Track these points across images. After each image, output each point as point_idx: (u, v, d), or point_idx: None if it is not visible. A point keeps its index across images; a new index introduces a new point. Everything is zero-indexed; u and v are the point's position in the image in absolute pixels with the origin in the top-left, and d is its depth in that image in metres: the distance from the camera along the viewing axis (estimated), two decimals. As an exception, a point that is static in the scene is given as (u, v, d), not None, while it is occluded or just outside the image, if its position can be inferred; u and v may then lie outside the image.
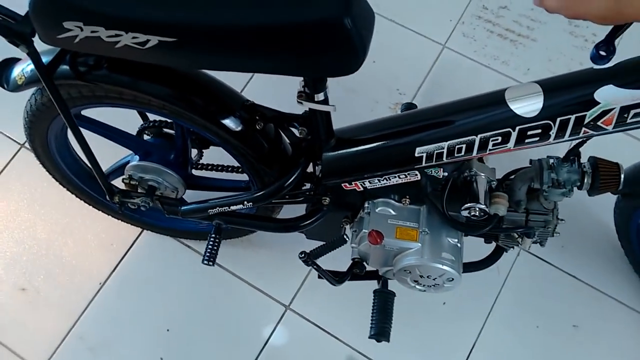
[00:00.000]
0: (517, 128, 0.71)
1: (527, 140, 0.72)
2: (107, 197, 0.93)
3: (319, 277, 0.92)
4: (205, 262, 0.90)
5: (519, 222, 0.87)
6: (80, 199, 1.10)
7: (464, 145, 0.74)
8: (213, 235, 0.92)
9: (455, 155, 0.76)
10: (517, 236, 0.89)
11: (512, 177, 0.87)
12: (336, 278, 0.90)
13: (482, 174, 0.84)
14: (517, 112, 0.70)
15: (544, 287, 1.17)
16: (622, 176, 0.79)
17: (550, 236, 0.90)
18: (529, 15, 1.45)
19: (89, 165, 0.88)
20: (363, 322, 0.90)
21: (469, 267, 0.95)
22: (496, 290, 1.17)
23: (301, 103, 0.75)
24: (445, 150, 0.75)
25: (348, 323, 1.14)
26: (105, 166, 1.03)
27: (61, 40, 0.65)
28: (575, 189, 0.82)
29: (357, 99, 1.34)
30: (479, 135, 0.73)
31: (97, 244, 1.23)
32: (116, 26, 0.62)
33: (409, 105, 1.15)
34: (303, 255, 0.85)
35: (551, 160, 0.83)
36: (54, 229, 1.24)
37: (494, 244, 0.95)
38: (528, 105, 0.70)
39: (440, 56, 1.40)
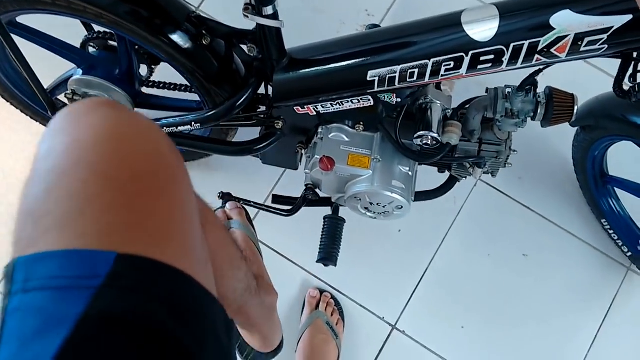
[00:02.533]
0: (470, 53, 0.68)
1: (479, 67, 0.69)
2: (48, 112, 0.89)
3: (268, 209, 0.93)
4: (153, 183, 0.88)
5: (471, 152, 0.87)
6: (26, 115, 1.05)
7: (416, 70, 0.71)
8: (161, 156, 0.90)
9: (408, 80, 0.73)
10: (469, 166, 0.89)
11: (468, 106, 0.85)
12: (287, 211, 0.91)
13: (438, 102, 0.82)
14: (472, 36, 0.67)
15: (498, 217, 1.20)
16: (576, 108, 0.78)
17: (502, 167, 0.90)
18: None
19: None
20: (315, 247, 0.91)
21: (422, 196, 0.96)
22: (451, 219, 1.19)
23: (247, 17, 0.71)
24: (397, 75, 0.73)
25: (301, 247, 1.16)
26: (48, 81, 0.98)
27: None
28: (529, 120, 0.81)
29: (323, 19, 1.28)
30: (432, 60, 0.70)
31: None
32: None
33: (374, 27, 1.11)
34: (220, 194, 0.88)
35: (507, 90, 0.80)
36: (4, 148, 1.20)
37: (447, 174, 0.95)
38: (483, 30, 0.67)
39: (414, -24, 1.32)
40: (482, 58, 0.68)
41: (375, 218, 0.93)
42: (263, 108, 0.90)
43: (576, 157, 1.12)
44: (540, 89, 0.80)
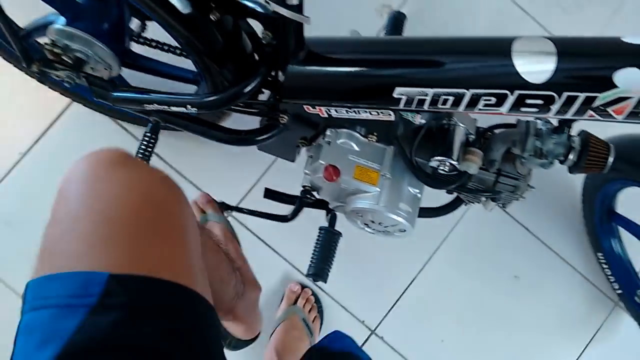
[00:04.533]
0: (516, 93, 0.59)
1: (523, 109, 0.60)
2: (22, 63, 0.77)
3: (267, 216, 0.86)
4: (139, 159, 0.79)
5: (487, 181, 0.80)
6: (1, 57, 0.93)
7: (451, 98, 0.62)
8: (148, 134, 0.80)
9: (439, 106, 0.64)
10: (483, 198, 0.82)
11: (493, 132, 0.77)
12: (284, 217, 0.83)
13: (462, 125, 0.74)
14: (522, 73, 0.58)
15: (495, 234, 1.15)
16: (610, 160, 0.71)
17: (516, 200, 0.84)
18: None
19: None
20: (305, 243, 0.85)
21: (424, 213, 0.89)
22: (447, 230, 1.14)
23: (268, 3, 0.60)
24: (428, 98, 0.63)
25: (287, 239, 1.09)
26: (27, 22, 0.85)
27: None
28: (556, 162, 0.74)
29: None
30: (471, 91, 0.61)
31: (20, 108, 1.07)
32: None
33: (397, 15, 0.99)
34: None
35: (539, 125, 0.72)
36: None
37: (455, 195, 0.88)
38: (536, 68, 0.58)
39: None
40: (528, 101, 0.59)
41: (373, 234, 0.86)
42: (267, 93, 0.80)
43: (587, 187, 1.06)
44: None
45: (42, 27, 0.84)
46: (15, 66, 0.94)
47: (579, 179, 1.08)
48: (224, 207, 0.88)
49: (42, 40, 0.83)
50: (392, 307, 1.11)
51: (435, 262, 1.12)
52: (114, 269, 0.36)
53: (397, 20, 0.91)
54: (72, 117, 1.06)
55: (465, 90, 0.61)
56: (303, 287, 1.09)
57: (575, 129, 0.73)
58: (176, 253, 0.41)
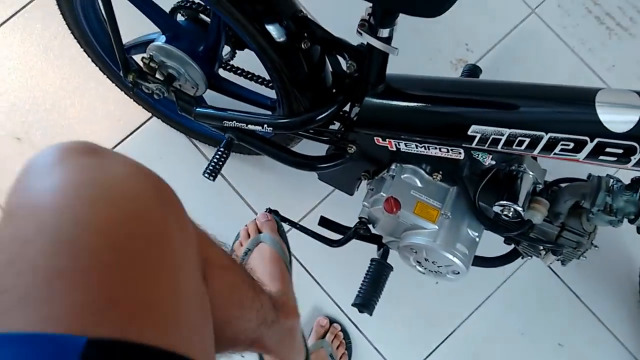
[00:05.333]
0: (596, 140, 0.60)
1: (601, 157, 0.61)
2: (120, 71, 0.84)
3: (315, 235, 0.87)
4: (207, 175, 0.83)
5: (549, 234, 0.79)
6: (96, 66, 1.01)
7: (527, 140, 0.64)
8: (222, 149, 0.84)
9: (514, 147, 0.65)
10: (541, 248, 0.81)
11: (562, 185, 0.77)
12: (334, 241, 0.84)
13: (531, 173, 0.74)
14: (604, 122, 0.59)
15: (544, 297, 1.11)
16: (685, 224, 0.69)
17: (576, 258, 0.82)
18: (637, 6, 1.26)
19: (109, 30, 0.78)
20: (353, 283, 0.84)
21: (478, 262, 0.88)
22: (494, 285, 1.11)
23: (360, 34, 0.64)
24: (504, 138, 0.65)
25: (328, 268, 1.09)
26: (127, 38, 0.93)
27: None
28: (625, 221, 0.73)
29: (419, 42, 1.20)
30: (549, 134, 0.62)
31: (104, 115, 1.15)
32: None
33: (473, 68, 1.03)
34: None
35: (611, 182, 0.72)
36: (64, 85, 1.16)
37: (512, 246, 0.87)
38: (619, 117, 0.59)
39: (524, 21, 1.23)
40: (607, 149, 0.60)
41: (423, 273, 0.85)
42: (337, 124, 0.84)
43: (648, 260, 1.02)
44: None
45: (141, 44, 0.92)
46: (109, 78, 1.03)
47: (639, 249, 1.05)
48: (276, 215, 0.88)
49: (138, 57, 0.90)
50: (427, 357, 1.07)
51: (477, 316, 1.09)
52: (91, 329, 0.26)
53: (472, 73, 0.95)
54: (150, 131, 1.13)
55: (544, 134, 0.62)
56: (332, 322, 1.07)
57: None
58: (166, 305, 0.31)
